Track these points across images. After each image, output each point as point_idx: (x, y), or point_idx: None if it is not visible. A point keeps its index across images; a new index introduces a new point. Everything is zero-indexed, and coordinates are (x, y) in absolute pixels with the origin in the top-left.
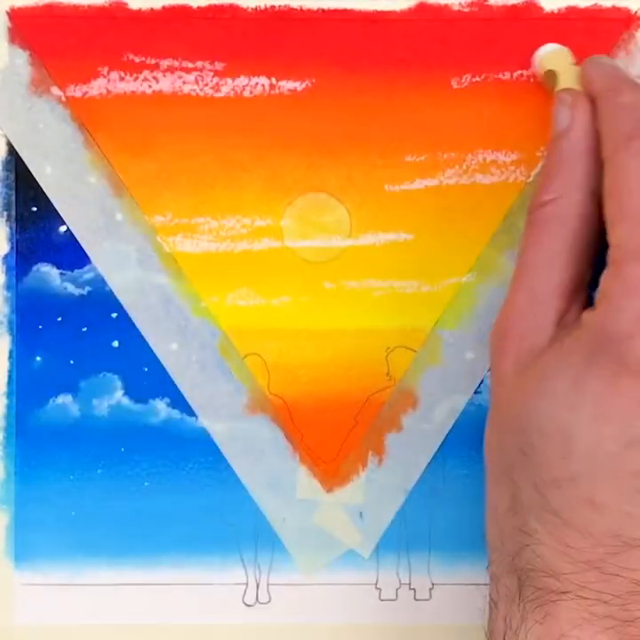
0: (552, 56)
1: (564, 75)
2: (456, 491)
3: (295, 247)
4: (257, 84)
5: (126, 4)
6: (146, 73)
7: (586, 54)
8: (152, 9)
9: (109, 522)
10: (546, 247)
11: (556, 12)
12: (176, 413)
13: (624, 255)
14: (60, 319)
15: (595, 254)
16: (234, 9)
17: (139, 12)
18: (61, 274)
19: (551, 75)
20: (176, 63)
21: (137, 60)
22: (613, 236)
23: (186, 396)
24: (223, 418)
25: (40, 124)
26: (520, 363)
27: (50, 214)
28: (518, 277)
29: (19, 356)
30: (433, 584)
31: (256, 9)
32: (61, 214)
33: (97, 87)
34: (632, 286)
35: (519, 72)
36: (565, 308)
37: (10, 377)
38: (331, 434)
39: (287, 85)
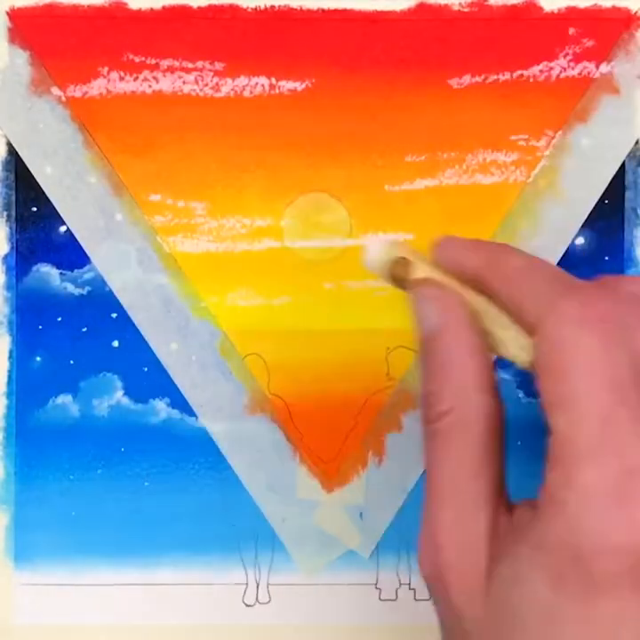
0: (387, 248)
1: (414, 265)
2: None
3: (295, 247)
4: (257, 83)
5: (126, 4)
6: (146, 73)
7: (586, 55)
8: (152, 9)
9: (109, 522)
10: (455, 460)
11: (555, 12)
12: (176, 413)
13: (572, 455)
14: (59, 319)
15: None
16: (234, 9)
17: (139, 11)
18: (61, 274)
19: (396, 266)
20: (176, 63)
21: (137, 59)
22: (554, 424)
23: (186, 395)
24: (223, 418)
25: (40, 124)
26: (468, 592)
27: (50, 214)
28: (434, 498)
29: (19, 356)
30: None
31: (256, 9)
32: (61, 214)
33: (97, 87)
34: (589, 496)
35: (519, 72)
36: (494, 515)
37: (10, 377)
38: (331, 434)
39: (287, 85)
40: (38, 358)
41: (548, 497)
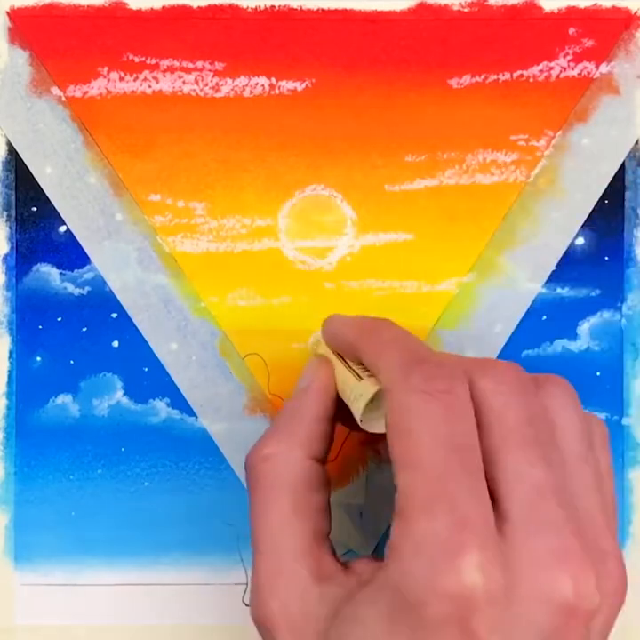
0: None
1: (320, 344)
2: None
3: (295, 247)
4: (257, 84)
5: (126, 4)
6: (146, 73)
7: (586, 55)
8: (152, 9)
9: (109, 522)
10: (270, 510)
11: (555, 12)
12: (176, 413)
13: (410, 507)
14: (60, 319)
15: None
16: (234, 9)
17: (139, 11)
18: (61, 274)
19: (314, 345)
20: (176, 63)
21: (137, 59)
22: (399, 481)
23: (186, 395)
24: (223, 418)
25: (40, 124)
26: (298, 636)
27: (50, 214)
28: (254, 547)
29: (19, 356)
30: None
31: (256, 9)
32: (61, 214)
33: (97, 87)
34: (420, 544)
35: (519, 72)
36: (317, 565)
37: (10, 377)
38: None
39: (287, 85)
40: (38, 358)
41: (390, 547)
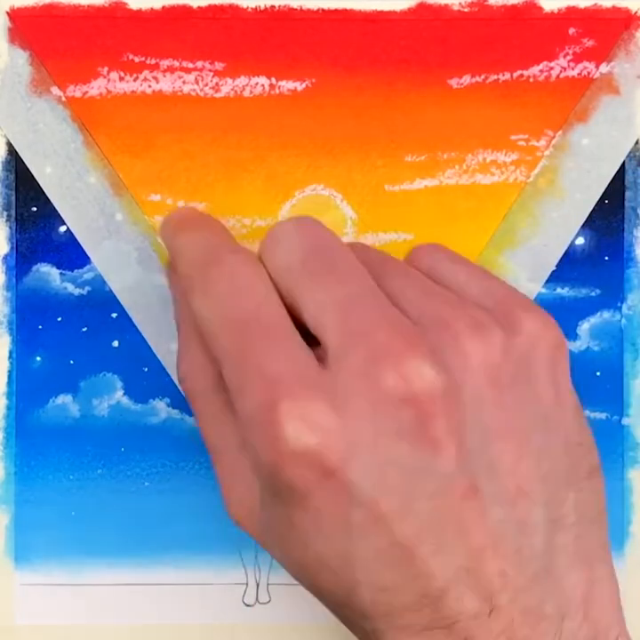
0: None
1: None
2: None
3: None
4: (257, 83)
5: (126, 3)
6: (146, 73)
7: (586, 55)
8: (152, 9)
9: (109, 522)
10: (209, 417)
11: (555, 12)
12: (176, 413)
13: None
14: (59, 319)
15: None
16: (234, 9)
17: (139, 11)
18: (61, 274)
19: None
20: (176, 63)
21: (137, 59)
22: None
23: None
24: None
25: (40, 124)
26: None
27: (50, 214)
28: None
29: (19, 356)
30: None
31: (256, 9)
32: (61, 214)
33: (97, 87)
34: (242, 419)
35: (519, 72)
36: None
37: (10, 377)
38: None
39: (287, 85)
40: (38, 358)
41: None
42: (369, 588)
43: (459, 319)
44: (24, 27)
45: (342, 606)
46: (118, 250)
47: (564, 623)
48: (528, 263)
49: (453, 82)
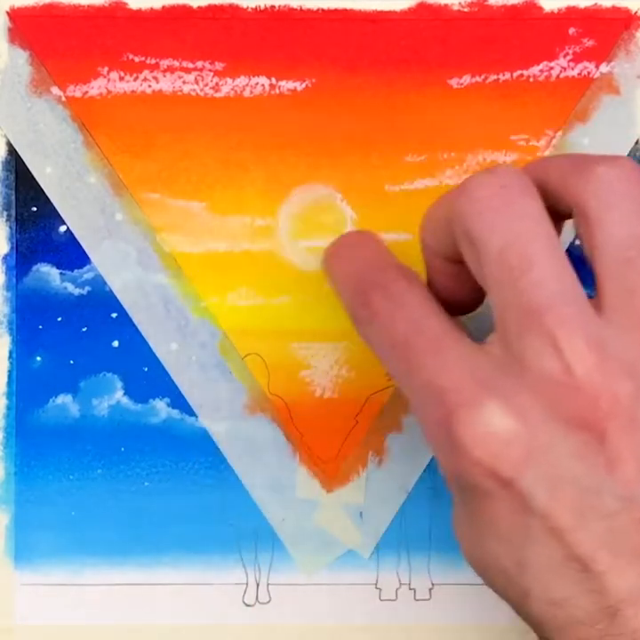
0: None
1: None
2: None
3: (295, 247)
4: (257, 83)
5: (126, 3)
6: (146, 73)
7: (586, 55)
8: (152, 9)
9: (109, 522)
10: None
11: (555, 12)
12: (176, 413)
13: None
14: (60, 319)
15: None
16: (234, 9)
17: (139, 11)
18: (61, 274)
19: None
20: (176, 63)
21: (137, 59)
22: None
23: (186, 395)
24: (223, 418)
25: (40, 124)
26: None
27: (50, 214)
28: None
29: (19, 356)
30: (433, 584)
31: (256, 9)
32: (61, 214)
33: (97, 87)
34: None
35: (519, 72)
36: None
37: (10, 377)
38: (331, 434)
39: (287, 85)
40: (38, 358)
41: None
42: (541, 598)
43: None
44: (24, 27)
45: (517, 611)
46: (118, 250)
47: None
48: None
49: (453, 82)
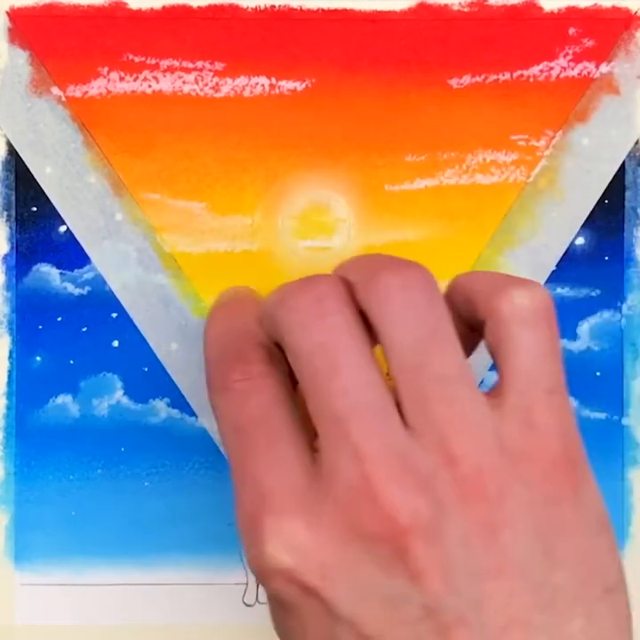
0: None
1: None
2: None
3: (295, 247)
4: (257, 83)
5: (126, 3)
6: (146, 73)
7: (586, 55)
8: (152, 9)
9: (109, 522)
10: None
11: (555, 12)
12: (176, 413)
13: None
14: (59, 319)
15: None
16: (234, 9)
17: (139, 11)
18: (61, 274)
19: None
20: (176, 63)
21: (137, 59)
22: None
23: (186, 395)
24: None
25: (40, 124)
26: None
27: (50, 214)
28: (241, 474)
29: (19, 356)
30: None
31: (256, 9)
32: (61, 214)
33: (97, 87)
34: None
35: (519, 72)
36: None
37: (10, 377)
38: None
39: (287, 85)
40: (38, 358)
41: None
42: None
43: (457, 434)
44: (24, 27)
45: None
46: (118, 250)
47: None
48: (528, 263)
49: (453, 82)
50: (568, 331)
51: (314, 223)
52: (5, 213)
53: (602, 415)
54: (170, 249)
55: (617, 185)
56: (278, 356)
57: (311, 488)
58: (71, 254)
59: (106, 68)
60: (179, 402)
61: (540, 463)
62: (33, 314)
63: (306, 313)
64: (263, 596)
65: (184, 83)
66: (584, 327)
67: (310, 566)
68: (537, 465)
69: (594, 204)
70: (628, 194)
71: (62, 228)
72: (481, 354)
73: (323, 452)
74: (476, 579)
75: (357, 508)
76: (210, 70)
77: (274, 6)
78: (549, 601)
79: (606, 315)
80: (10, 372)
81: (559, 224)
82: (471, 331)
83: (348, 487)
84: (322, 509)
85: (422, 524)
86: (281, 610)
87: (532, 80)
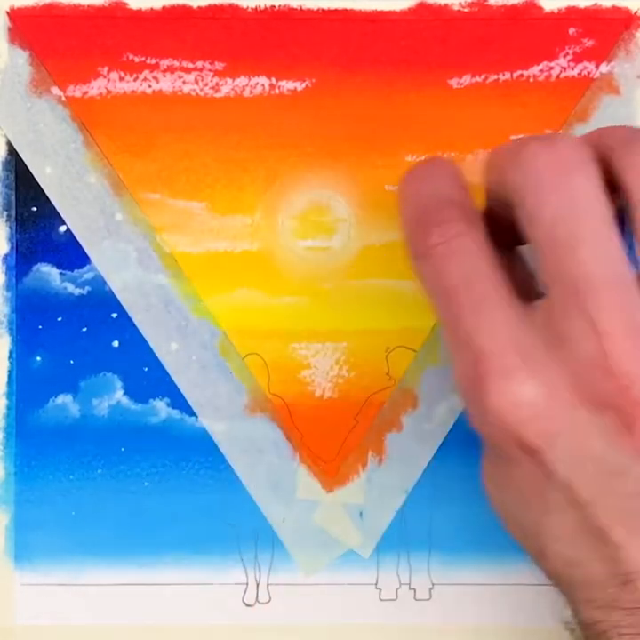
0: None
1: None
2: (456, 491)
3: (295, 247)
4: (257, 83)
5: (126, 3)
6: (146, 73)
7: (586, 55)
8: (152, 9)
9: (109, 522)
10: (460, 277)
11: (555, 12)
12: (176, 413)
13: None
14: (60, 319)
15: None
16: (234, 9)
17: (139, 11)
18: (61, 274)
19: None
20: (176, 63)
21: (137, 59)
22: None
23: (186, 395)
24: (223, 418)
25: (40, 124)
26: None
27: (50, 214)
28: (455, 328)
29: (19, 356)
30: (433, 584)
31: (256, 9)
32: (61, 214)
33: (97, 87)
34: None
35: (519, 72)
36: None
37: (10, 377)
38: (331, 434)
39: (287, 85)
40: (38, 358)
41: None
42: (556, 560)
43: None
44: (24, 27)
45: (535, 562)
46: (118, 250)
47: None
48: (529, 262)
49: (453, 82)
50: None
51: (314, 223)
52: (5, 213)
53: None
54: (170, 249)
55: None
56: (473, 213)
57: (537, 349)
58: (71, 254)
59: (106, 68)
60: (179, 402)
61: None
62: (33, 314)
63: (545, 174)
64: (263, 596)
65: (184, 83)
66: None
67: (537, 427)
68: None
69: None
70: None
71: (62, 228)
72: None
73: (554, 318)
74: None
75: (592, 377)
76: (210, 70)
77: (274, 6)
78: None
79: None
80: (10, 372)
81: None
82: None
83: (584, 358)
84: (552, 373)
85: None
86: (497, 463)
87: (532, 80)
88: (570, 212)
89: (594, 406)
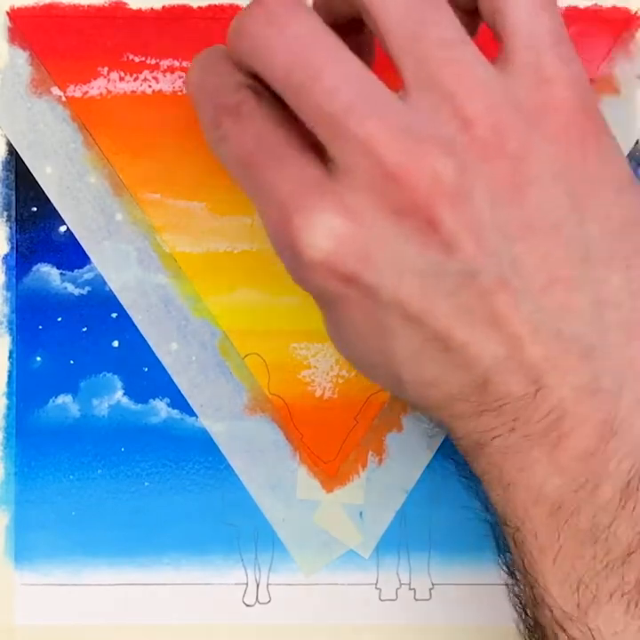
0: None
1: None
2: (456, 491)
3: None
4: None
5: (126, 3)
6: (146, 73)
7: (585, 55)
8: (152, 9)
9: (109, 522)
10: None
11: None
12: (176, 413)
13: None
14: (60, 319)
15: None
16: (234, 9)
17: (139, 11)
18: (61, 274)
19: None
20: (176, 63)
21: (137, 59)
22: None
23: (186, 395)
24: (223, 418)
25: (40, 124)
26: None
27: (50, 214)
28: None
29: (19, 356)
30: (433, 584)
31: None
32: (61, 214)
33: (97, 87)
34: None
35: None
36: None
37: (10, 377)
38: (331, 434)
39: None
40: (38, 358)
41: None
42: (413, 383)
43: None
44: (24, 27)
45: (398, 397)
46: (118, 250)
47: (623, 393)
48: None
49: None
50: None
51: None
52: (5, 213)
53: None
54: (170, 249)
55: None
56: (263, 91)
57: (332, 186)
58: (71, 254)
59: (106, 68)
60: (179, 402)
61: (558, 115)
62: (33, 314)
63: (263, 31)
64: (263, 597)
65: (184, 83)
66: None
67: (347, 250)
68: (555, 117)
69: None
70: None
71: (62, 228)
72: None
73: (333, 158)
74: (509, 239)
75: (380, 189)
76: None
77: None
78: (584, 256)
79: None
80: (10, 371)
81: None
82: (468, 15)
83: (367, 176)
84: (347, 201)
85: (445, 188)
86: (327, 310)
87: None
88: (299, 53)
89: (395, 216)
